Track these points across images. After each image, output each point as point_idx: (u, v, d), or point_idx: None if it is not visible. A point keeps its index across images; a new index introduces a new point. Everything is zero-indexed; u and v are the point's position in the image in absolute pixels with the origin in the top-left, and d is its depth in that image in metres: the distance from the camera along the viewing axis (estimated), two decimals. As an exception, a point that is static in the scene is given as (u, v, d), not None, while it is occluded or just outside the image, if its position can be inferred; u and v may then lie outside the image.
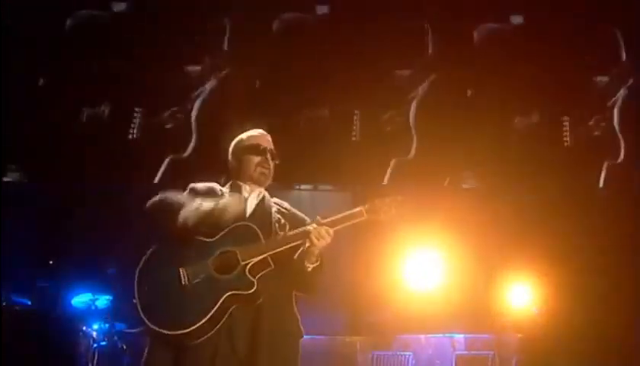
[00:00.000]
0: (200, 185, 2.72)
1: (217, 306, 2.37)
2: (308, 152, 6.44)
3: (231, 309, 2.40)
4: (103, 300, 5.82)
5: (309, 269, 2.54)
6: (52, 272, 5.94)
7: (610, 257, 6.14)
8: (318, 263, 2.55)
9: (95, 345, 5.53)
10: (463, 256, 6.41)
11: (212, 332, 2.37)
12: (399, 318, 6.33)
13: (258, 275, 2.44)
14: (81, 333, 5.59)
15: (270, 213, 2.66)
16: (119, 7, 6.72)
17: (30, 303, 5.64)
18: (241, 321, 2.44)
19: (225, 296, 2.38)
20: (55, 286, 5.91)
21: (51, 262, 5.98)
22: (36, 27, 6.44)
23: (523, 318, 6.28)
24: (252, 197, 2.69)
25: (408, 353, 6.03)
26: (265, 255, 2.46)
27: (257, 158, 2.71)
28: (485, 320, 6.25)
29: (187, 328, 2.34)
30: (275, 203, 2.74)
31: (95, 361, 5.42)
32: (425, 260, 6.47)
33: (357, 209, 2.60)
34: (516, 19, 7.08)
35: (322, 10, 6.94)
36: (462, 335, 6.18)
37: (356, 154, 6.53)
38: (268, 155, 2.72)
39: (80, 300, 5.85)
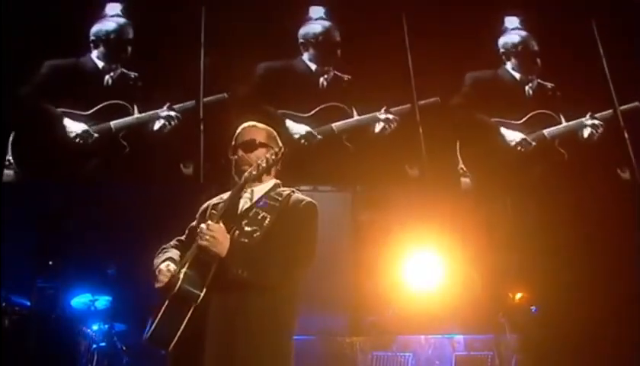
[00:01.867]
0: (208, 202, 2.82)
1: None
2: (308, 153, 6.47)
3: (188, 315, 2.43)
4: (102, 301, 5.82)
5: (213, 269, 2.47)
6: (52, 272, 5.93)
7: (609, 257, 6.15)
8: (213, 263, 2.44)
9: (95, 346, 5.53)
10: (463, 257, 6.41)
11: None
12: (399, 318, 6.33)
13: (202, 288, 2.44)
14: (80, 334, 5.58)
15: (249, 209, 2.61)
16: (113, 9, 6.74)
17: (29, 303, 5.64)
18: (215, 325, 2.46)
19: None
20: (54, 286, 5.91)
21: (51, 263, 5.97)
22: (36, 25, 6.46)
23: (522, 318, 6.28)
24: (245, 195, 2.70)
25: (407, 353, 6.03)
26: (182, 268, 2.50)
27: (233, 159, 2.73)
28: (485, 321, 6.25)
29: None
30: (275, 194, 2.68)
31: (95, 362, 5.42)
32: (425, 261, 6.48)
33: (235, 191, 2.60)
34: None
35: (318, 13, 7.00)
36: (461, 336, 6.18)
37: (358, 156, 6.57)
38: (239, 152, 2.70)
39: (79, 300, 5.85)
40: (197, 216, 2.83)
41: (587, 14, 7.13)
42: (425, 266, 6.48)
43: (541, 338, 6.06)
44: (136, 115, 6.40)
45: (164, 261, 2.61)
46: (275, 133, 2.85)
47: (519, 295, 6.41)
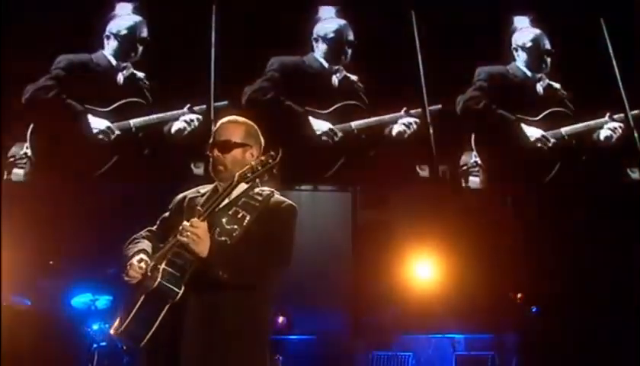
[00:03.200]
0: (183, 194, 2.77)
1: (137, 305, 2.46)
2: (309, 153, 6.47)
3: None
4: (103, 301, 5.81)
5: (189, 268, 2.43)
6: (52, 272, 5.93)
7: (614, 257, 6.15)
8: (192, 261, 2.40)
9: (95, 346, 5.53)
10: (463, 257, 6.40)
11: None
12: (399, 318, 6.32)
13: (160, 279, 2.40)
14: (81, 334, 5.58)
15: (228, 207, 2.54)
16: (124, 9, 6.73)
17: (29, 303, 5.64)
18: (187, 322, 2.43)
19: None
20: (55, 286, 5.90)
21: (51, 262, 5.98)
22: (39, 25, 6.46)
23: (522, 318, 6.28)
24: (215, 197, 2.60)
25: (407, 353, 6.03)
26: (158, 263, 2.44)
27: (209, 156, 2.67)
28: (485, 321, 6.25)
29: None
30: (254, 194, 2.60)
31: (95, 362, 5.42)
32: (426, 260, 6.48)
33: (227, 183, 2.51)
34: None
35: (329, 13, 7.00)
36: (462, 336, 6.18)
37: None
38: (215, 152, 2.63)
39: (80, 300, 5.85)
40: (172, 207, 2.78)
41: (595, 12, 7.13)
42: (426, 266, 6.47)
43: (541, 338, 6.06)
44: (157, 115, 6.40)
45: (136, 253, 2.57)
46: (256, 129, 2.74)
47: (519, 295, 6.40)
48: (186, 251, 2.40)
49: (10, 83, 6.16)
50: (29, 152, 6.17)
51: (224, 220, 2.50)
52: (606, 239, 6.21)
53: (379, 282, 6.45)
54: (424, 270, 6.49)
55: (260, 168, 2.45)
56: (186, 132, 6.37)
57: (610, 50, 7.07)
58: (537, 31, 7.24)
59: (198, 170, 6.18)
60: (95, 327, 5.67)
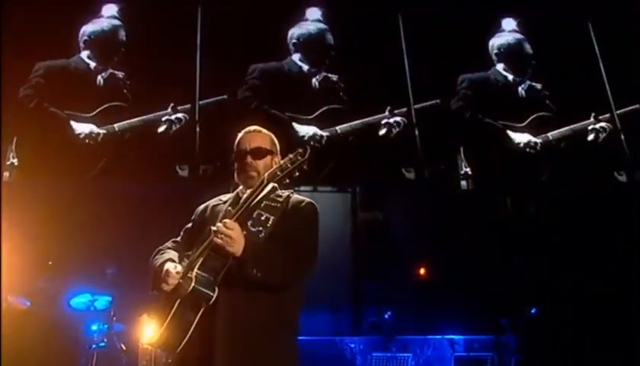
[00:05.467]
0: (205, 204, 2.82)
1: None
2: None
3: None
4: (102, 301, 5.82)
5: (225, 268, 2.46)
6: (52, 272, 5.93)
7: (608, 258, 6.16)
8: (228, 261, 2.44)
9: (94, 346, 5.53)
10: (462, 256, 6.42)
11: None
12: (399, 318, 6.33)
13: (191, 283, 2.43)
14: (80, 334, 5.58)
15: (252, 211, 2.58)
16: (110, 11, 6.70)
17: (29, 303, 5.64)
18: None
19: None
20: (55, 286, 5.91)
21: (50, 263, 5.98)
22: (36, 25, 6.43)
23: (522, 319, 6.29)
24: (245, 197, 2.64)
25: (407, 354, 6.04)
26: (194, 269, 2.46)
27: (240, 164, 2.71)
28: (485, 321, 6.26)
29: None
30: (274, 196, 2.65)
31: (94, 362, 5.42)
32: (424, 261, 6.49)
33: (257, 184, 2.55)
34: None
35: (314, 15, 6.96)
36: (461, 337, 6.19)
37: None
38: (248, 159, 2.69)
39: (79, 300, 5.85)
40: (195, 217, 2.82)
41: (583, 15, 7.13)
42: (424, 266, 6.48)
43: (541, 338, 6.07)
44: (141, 117, 6.37)
45: (164, 262, 2.60)
46: (275, 138, 2.84)
47: (519, 295, 6.41)
48: (218, 253, 2.43)
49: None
50: (15, 161, 6.13)
51: (249, 223, 2.54)
52: (601, 240, 6.22)
53: (378, 282, 6.47)
54: (423, 270, 6.50)
55: (290, 165, 2.48)
56: (170, 132, 6.34)
57: (597, 52, 7.05)
58: (519, 36, 7.21)
59: (183, 172, 6.17)
60: (95, 327, 5.67)
